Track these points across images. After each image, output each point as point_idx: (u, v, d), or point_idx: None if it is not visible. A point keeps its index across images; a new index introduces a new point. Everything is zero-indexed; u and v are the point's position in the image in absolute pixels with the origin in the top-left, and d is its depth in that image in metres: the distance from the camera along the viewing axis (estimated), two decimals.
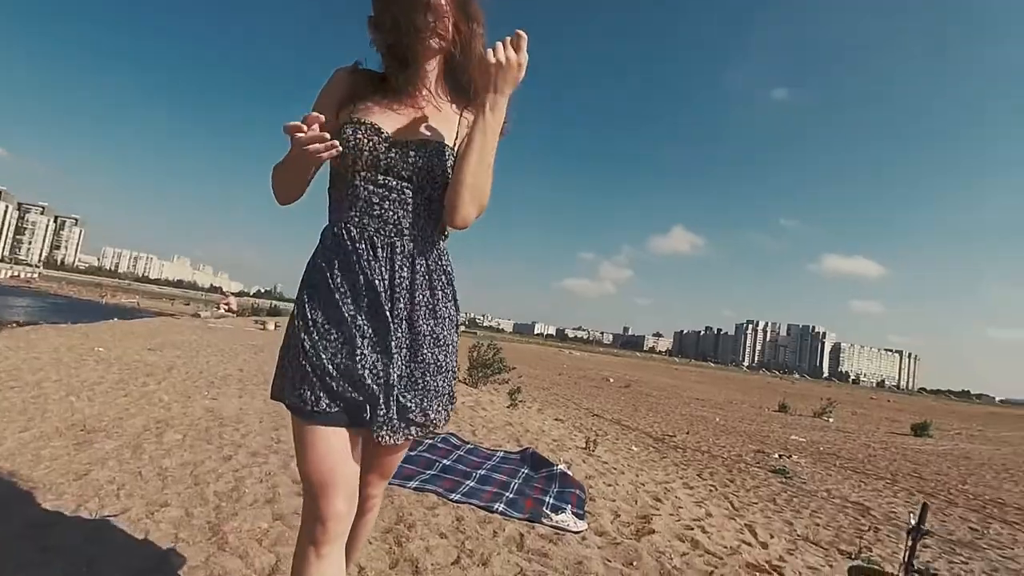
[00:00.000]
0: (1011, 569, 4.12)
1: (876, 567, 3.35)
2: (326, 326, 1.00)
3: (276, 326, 17.52)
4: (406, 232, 1.05)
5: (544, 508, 2.62)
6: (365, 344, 1.00)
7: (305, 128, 0.92)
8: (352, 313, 1.01)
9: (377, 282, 1.02)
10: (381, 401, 0.99)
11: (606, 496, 3.35)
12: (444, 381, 1.09)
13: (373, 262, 1.02)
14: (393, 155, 1.03)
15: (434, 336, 1.06)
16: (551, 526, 2.43)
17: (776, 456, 7.82)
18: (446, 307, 1.10)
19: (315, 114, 0.94)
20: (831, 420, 15.61)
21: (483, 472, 3.13)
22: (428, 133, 1.07)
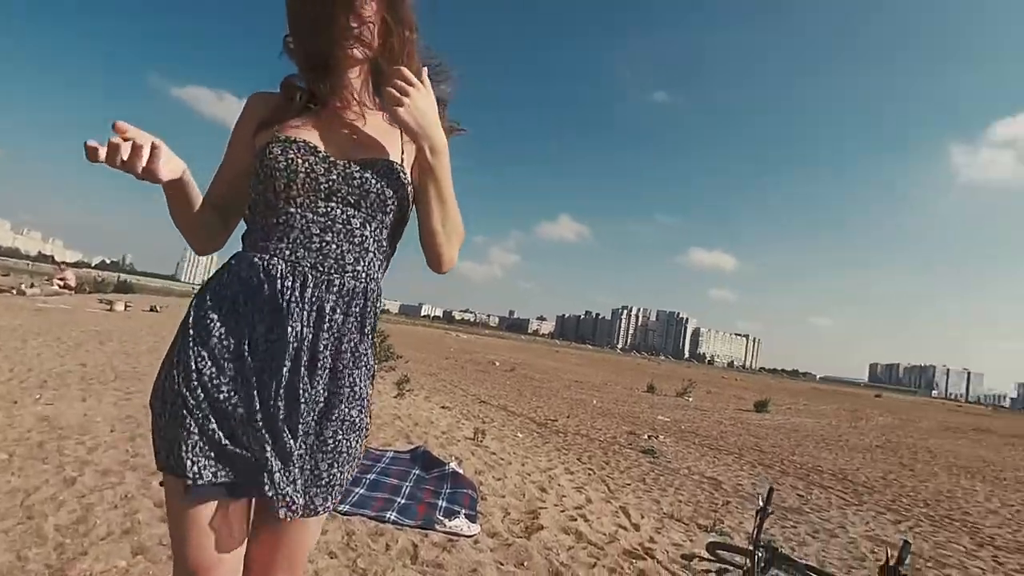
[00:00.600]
0: (827, 529, 4.90)
1: (729, 541, 3.80)
2: (218, 379, 0.83)
3: (127, 307, 15.48)
4: (348, 269, 0.90)
5: (437, 513, 2.62)
6: (272, 399, 0.83)
7: (102, 153, 0.73)
8: (259, 363, 0.84)
9: (300, 328, 0.85)
10: (286, 469, 0.83)
11: (496, 492, 3.43)
12: (357, 442, 0.93)
13: (299, 305, 0.86)
14: (335, 177, 0.89)
15: (353, 390, 0.91)
16: (445, 532, 2.43)
17: (646, 437, 8.52)
18: (367, 355, 0.95)
19: (121, 123, 0.75)
20: (691, 399, 17.31)
21: (373, 477, 3.05)
22: (369, 150, 0.94)
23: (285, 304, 0.85)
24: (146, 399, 4.06)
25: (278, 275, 0.86)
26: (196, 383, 0.83)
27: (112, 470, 2.63)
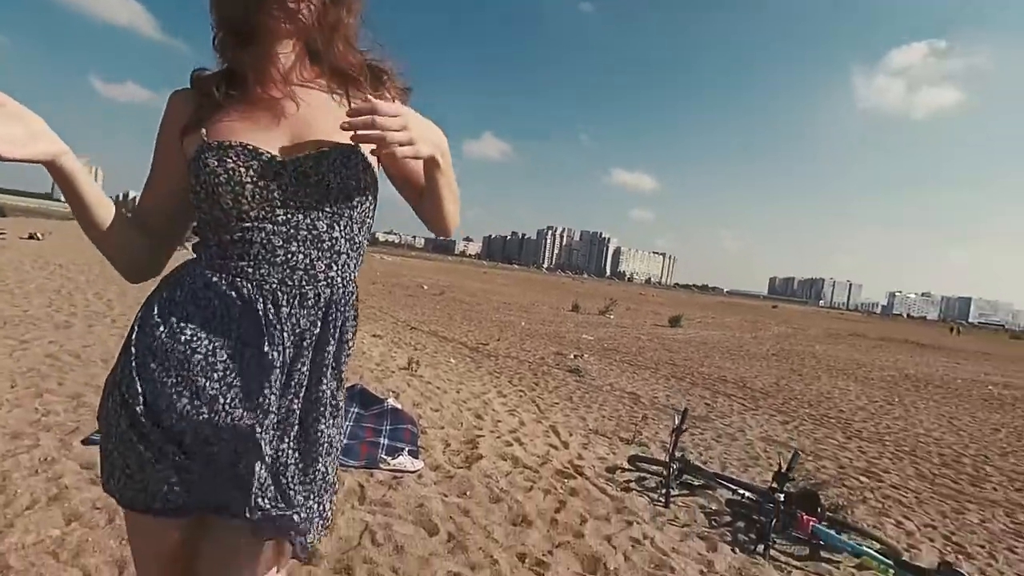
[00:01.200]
0: (728, 433, 5.55)
1: (648, 452, 4.22)
2: (168, 401, 0.75)
3: (1, 235, 13.72)
4: (320, 278, 0.80)
5: (380, 452, 2.70)
6: (239, 420, 0.75)
7: None
8: (221, 386, 0.76)
9: (275, 353, 0.76)
10: (261, 494, 0.76)
11: (435, 424, 3.56)
12: (331, 467, 0.85)
13: (276, 327, 0.77)
14: (287, 180, 0.77)
15: (334, 406, 0.83)
16: (390, 470, 2.53)
17: (571, 356, 9.02)
18: (343, 365, 0.86)
19: None
20: (612, 317, 18.31)
21: None
22: (317, 135, 0.81)
23: (266, 330, 0.77)
24: (46, 346, 3.77)
25: (244, 299, 0.77)
26: (140, 409, 0.75)
27: (23, 432, 2.46)
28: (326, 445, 0.82)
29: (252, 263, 0.77)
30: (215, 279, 0.78)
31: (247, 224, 0.76)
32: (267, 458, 0.76)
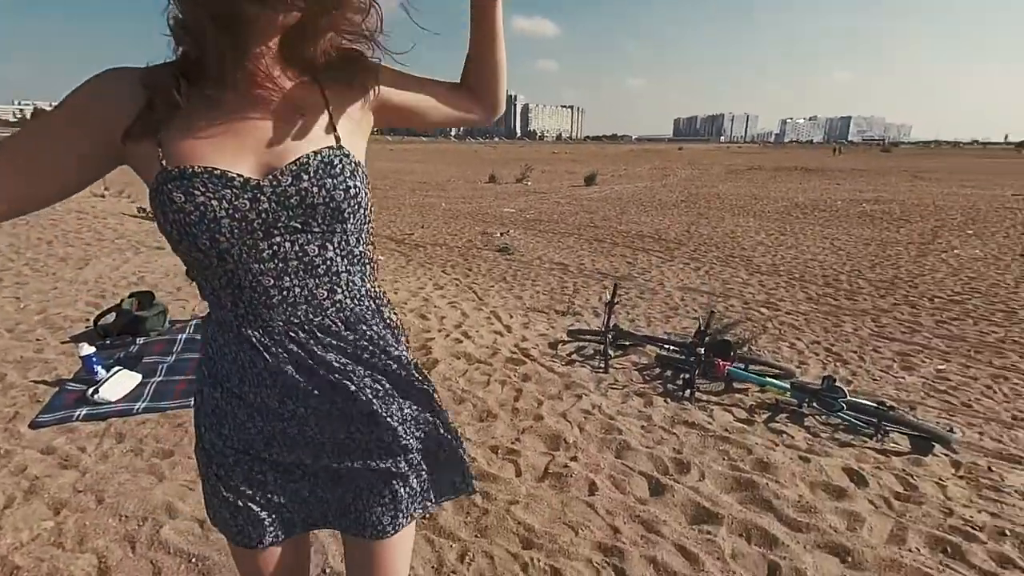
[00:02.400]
0: (650, 289, 6.10)
1: (584, 324, 4.61)
2: (243, 460, 0.79)
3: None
4: (326, 306, 0.75)
5: None
6: (300, 448, 0.79)
7: None
8: (280, 424, 0.78)
9: (300, 390, 0.76)
10: (341, 508, 0.83)
11: None
12: (439, 445, 0.88)
13: (294, 368, 0.75)
14: (267, 206, 0.68)
15: (401, 414, 0.83)
16: None
17: (498, 234, 9.17)
18: (395, 362, 0.82)
19: None
20: (529, 183, 18.36)
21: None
22: (294, 144, 0.71)
23: (277, 377, 0.75)
24: None
25: (256, 348, 0.74)
26: (224, 465, 0.80)
27: None
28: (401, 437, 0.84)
29: (249, 308, 0.73)
30: (229, 334, 0.75)
31: (230, 266, 0.70)
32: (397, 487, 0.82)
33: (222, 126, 0.69)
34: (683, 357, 3.29)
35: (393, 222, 10.37)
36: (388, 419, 0.80)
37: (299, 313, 0.74)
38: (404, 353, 0.85)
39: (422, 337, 3.69)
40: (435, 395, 0.89)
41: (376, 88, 0.80)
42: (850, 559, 1.73)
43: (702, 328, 3.31)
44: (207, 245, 0.67)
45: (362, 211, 0.74)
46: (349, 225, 0.73)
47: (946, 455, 2.50)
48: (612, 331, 3.61)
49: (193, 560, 1.60)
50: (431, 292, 5.47)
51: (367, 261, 0.80)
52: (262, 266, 0.70)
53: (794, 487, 2.13)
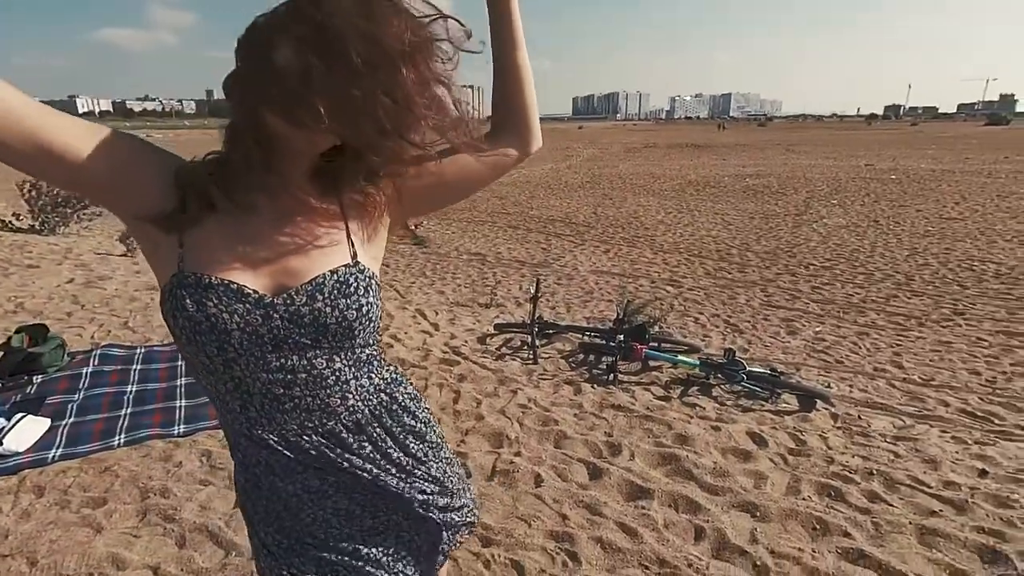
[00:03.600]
0: (565, 274, 6.38)
1: (509, 315, 4.77)
2: (296, 550, 0.80)
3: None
4: (339, 411, 0.76)
5: None
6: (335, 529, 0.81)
7: None
8: (334, 515, 0.80)
9: (330, 485, 0.79)
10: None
11: None
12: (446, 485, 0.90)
13: (315, 472, 0.77)
14: (278, 323, 0.68)
15: (430, 481, 0.87)
16: None
17: (413, 226, 9.08)
18: (415, 443, 0.85)
19: None
20: None
21: (185, 381, 2.93)
22: (311, 262, 0.71)
23: (302, 480, 0.77)
24: None
25: (273, 453, 0.75)
26: (278, 555, 0.80)
27: None
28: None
29: (262, 412, 0.73)
30: (242, 437, 0.76)
31: (237, 374, 0.70)
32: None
33: (243, 237, 0.69)
34: (604, 343, 3.55)
35: None
36: (405, 492, 0.83)
37: (313, 419, 0.74)
38: (420, 432, 0.86)
39: None
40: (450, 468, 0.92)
41: (394, 197, 0.78)
42: (758, 513, 2.04)
43: (620, 316, 3.59)
44: (214, 353, 0.68)
45: (372, 324, 0.74)
46: (357, 339, 0.74)
47: (826, 409, 2.94)
48: (537, 323, 3.80)
49: None
50: None
51: (375, 358, 0.80)
52: (271, 376, 0.71)
53: (709, 455, 2.43)
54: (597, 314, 4.91)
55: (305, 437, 0.75)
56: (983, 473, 2.33)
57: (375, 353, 0.80)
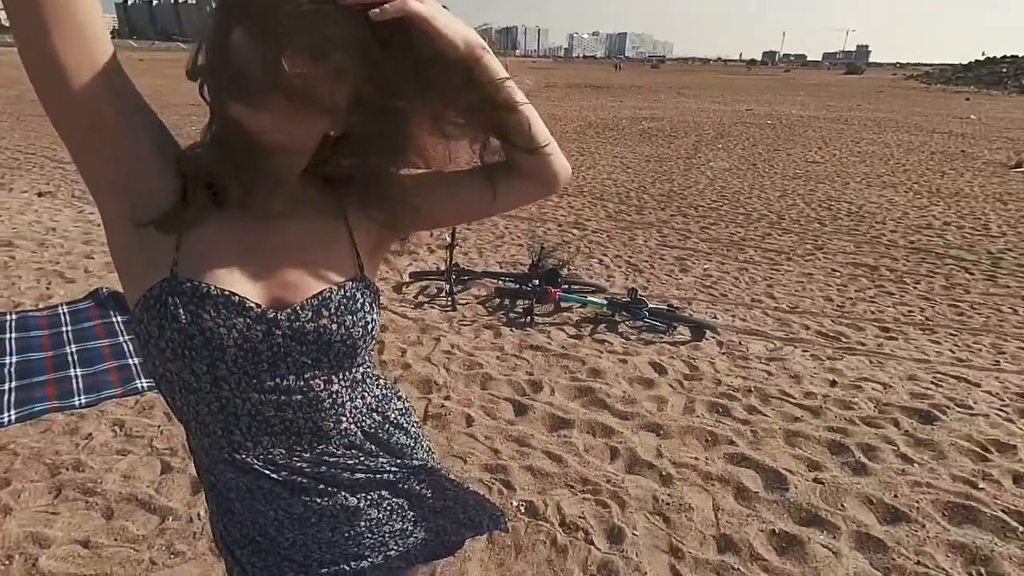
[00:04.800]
0: (478, 221, 6.42)
1: (422, 262, 4.77)
2: (275, 572, 0.77)
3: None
4: (332, 435, 0.72)
5: None
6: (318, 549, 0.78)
7: None
8: (316, 540, 0.77)
9: (313, 512, 0.74)
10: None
11: None
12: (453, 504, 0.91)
13: (300, 499, 0.72)
14: (280, 341, 0.63)
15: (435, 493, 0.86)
16: None
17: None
18: (405, 461, 0.82)
19: None
20: None
21: (75, 348, 2.69)
22: (316, 275, 0.66)
23: (288, 506, 0.73)
24: None
25: (257, 478, 0.70)
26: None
27: None
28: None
29: (248, 435, 0.67)
30: (220, 463, 0.69)
31: (225, 393, 0.64)
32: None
33: (245, 241, 0.64)
34: (520, 287, 3.72)
35: None
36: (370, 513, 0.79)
37: (303, 442, 0.70)
38: (410, 446, 0.84)
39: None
40: (440, 473, 0.88)
41: (396, 221, 0.73)
42: (662, 432, 2.35)
43: (535, 261, 3.75)
44: (203, 370, 0.62)
45: (371, 339, 0.71)
46: (357, 359, 0.71)
47: (714, 338, 3.35)
48: (454, 269, 3.87)
49: None
50: None
51: (368, 375, 0.77)
52: (263, 396, 0.65)
53: (618, 385, 2.72)
54: (509, 258, 5.06)
55: (295, 460, 0.70)
56: (833, 383, 2.83)
57: (369, 370, 0.77)
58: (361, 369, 0.74)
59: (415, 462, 0.83)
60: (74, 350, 2.66)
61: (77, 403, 2.30)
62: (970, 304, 4.07)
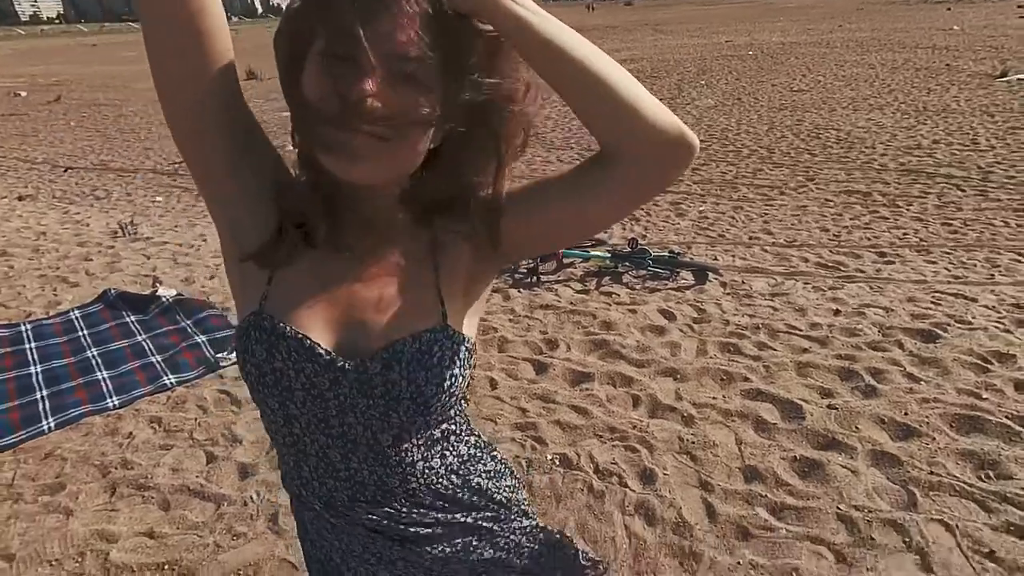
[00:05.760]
0: None
1: None
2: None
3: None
4: (399, 493, 0.68)
5: (207, 352, 2.67)
6: None
7: None
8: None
9: (371, 554, 0.72)
10: None
11: (216, 289, 3.44)
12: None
13: (359, 539, 0.70)
14: (346, 390, 0.61)
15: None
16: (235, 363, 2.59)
17: (291, 146, 8.34)
18: (486, 526, 0.76)
19: None
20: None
21: (97, 351, 2.72)
22: (393, 323, 0.62)
23: (362, 542, 0.71)
24: None
25: (323, 522, 0.71)
26: None
27: None
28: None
29: (314, 474, 0.67)
30: (292, 491, 0.73)
31: (296, 431, 0.64)
32: None
33: (327, 280, 0.63)
34: None
35: (150, 149, 8.69)
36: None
37: (367, 493, 0.67)
38: (496, 511, 0.76)
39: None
40: (534, 532, 0.81)
41: (497, 238, 0.64)
42: (678, 376, 2.44)
43: None
44: (276, 407, 0.63)
45: (452, 399, 0.64)
46: (431, 418, 0.64)
47: (717, 279, 3.42)
48: None
49: (166, 568, 1.63)
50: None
51: (452, 433, 0.71)
52: (330, 440, 0.64)
53: (631, 335, 2.80)
54: None
55: (356, 508, 0.68)
56: (836, 312, 2.92)
57: (453, 427, 0.71)
58: (442, 427, 0.69)
59: (496, 526, 0.76)
60: (95, 353, 2.70)
61: (110, 404, 2.35)
62: (963, 221, 4.15)
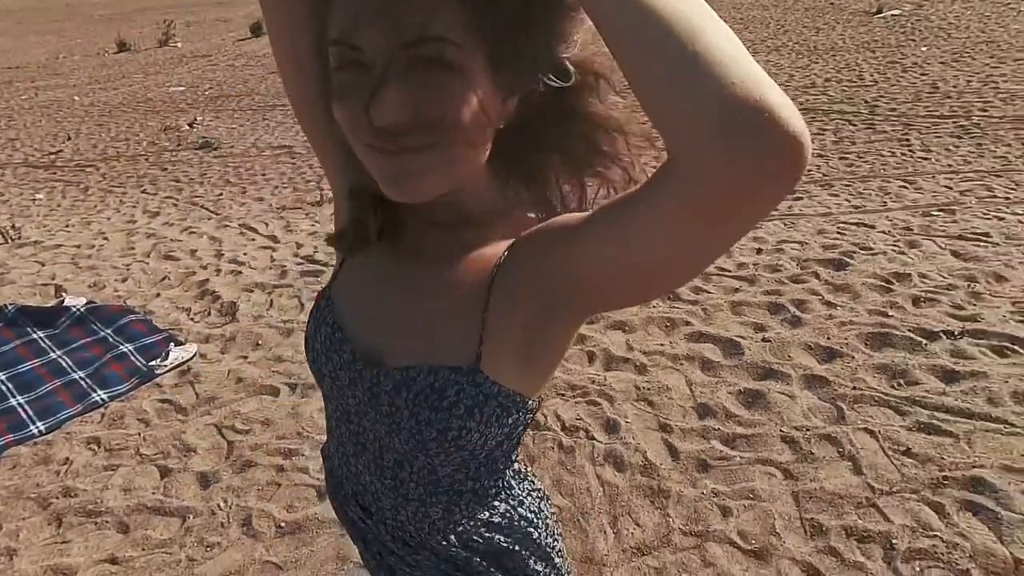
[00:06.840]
0: None
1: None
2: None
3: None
4: (389, 517, 0.63)
5: (138, 360, 2.48)
6: None
7: None
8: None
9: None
10: None
11: (145, 293, 3.18)
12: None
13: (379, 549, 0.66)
14: (361, 393, 0.57)
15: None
16: (173, 369, 2.43)
17: (186, 126, 7.66)
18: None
19: None
20: (180, 45, 14.92)
21: (4, 376, 2.45)
22: (416, 346, 0.54)
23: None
24: None
25: (359, 521, 0.67)
26: None
27: None
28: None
29: (336, 454, 0.67)
30: (331, 472, 0.71)
31: (330, 409, 0.65)
32: None
33: (381, 279, 0.59)
34: None
35: (16, 139, 7.67)
36: None
37: (366, 498, 0.63)
38: None
39: (196, 281, 3.30)
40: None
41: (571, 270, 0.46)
42: (627, 327, 2.56)
43: None
44: (317, 378, 0.65)
45: (464, 454, 0.54)
46: (437, 462, 0.55)
47: None
48: None
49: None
50: (151, 224, 4.61)
51: (470, 491, 0.60)
52: (349, 433, 0.62)
53: None
54: None
55: (355, 507, 0.66)
56: (759, 251, 3.15)
57: (477, 488, 0.60)
58: (455, 477, 0.58)
59: None
60: (4, 378, 2.43)
61: (35, 431, 2.15)
62: (857, 154, 4.54)
